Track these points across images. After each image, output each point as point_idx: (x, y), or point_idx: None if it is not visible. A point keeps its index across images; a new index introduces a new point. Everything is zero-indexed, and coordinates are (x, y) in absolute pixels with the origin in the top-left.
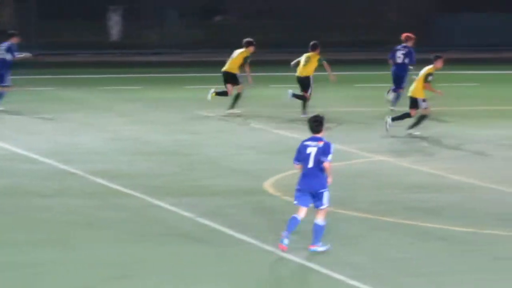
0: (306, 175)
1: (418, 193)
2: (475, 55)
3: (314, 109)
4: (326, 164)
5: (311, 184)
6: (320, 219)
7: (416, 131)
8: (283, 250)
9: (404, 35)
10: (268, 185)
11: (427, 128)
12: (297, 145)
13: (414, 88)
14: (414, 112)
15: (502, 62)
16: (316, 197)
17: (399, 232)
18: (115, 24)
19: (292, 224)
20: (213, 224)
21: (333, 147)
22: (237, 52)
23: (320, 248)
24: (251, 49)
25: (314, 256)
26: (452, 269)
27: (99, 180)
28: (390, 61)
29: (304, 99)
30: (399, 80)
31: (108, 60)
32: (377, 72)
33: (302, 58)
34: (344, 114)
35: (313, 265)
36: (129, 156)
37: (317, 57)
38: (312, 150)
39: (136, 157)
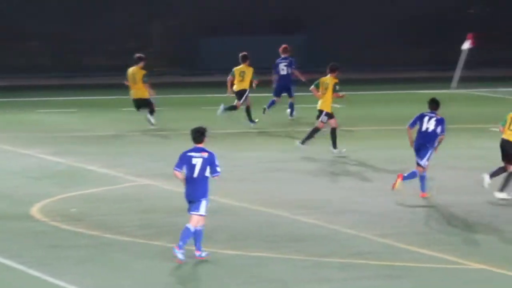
0: (191, 184)
1: (185, 216)
2: None
3: (84, 133)
4: (216, 178)
5: (195, 193)
6: (191, 225)
7: (342, 149)
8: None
9: (283, 47)
10: (35, 210)
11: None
12: (64, 170)
13: (323, 101)
14: (334, 122)
15: (266, 85)
16: (194, 203)
17: (168, 255)
18: None
19: (186, 235)
20: None
21: (217, 156)
22: (132, 73)
23: (179, 255)
24: (143, 64)
25: (83, 281)
26: None
27: None
28: (275, 76)
29: (235, 108)
30: (288, 90)
31: None
32: None
33: (237, 73)
34: (110, 138)
35: None
36: None
37: (251, 69)
38: (197, 161)
39: None
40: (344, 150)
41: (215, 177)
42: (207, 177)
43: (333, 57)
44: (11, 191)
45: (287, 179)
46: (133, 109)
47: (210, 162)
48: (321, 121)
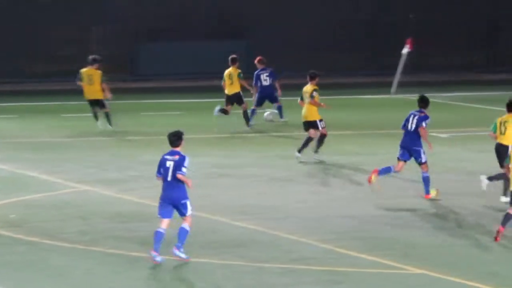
0: (167, 187)
1: (125, 222)
2: (177, 84)
3: (24, 139)
4: (179, 176)
5: (172, 196)
6: (186, 225)
7: (320, 156)
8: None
9: (259, 58)
10: None
11: (128, 157)
12: (4, 176)
13: (307, 112)
14: (314, 133)
15: (207, 91)
16: (179, 207)
17: (107, 261)
18: None
19: (158, 237)
20: None
21: (189, 160)
22: (88, 74)
23: (182, 255)
24: (97, 65)
25: (22, 287)
26: None
27: None
28: (256, 87)
29: (226, 113)
30: (272, 98)
31: None
32: (82, 102)
33: (226, 77)
34: (50, 144)
35: None
36: None
37: (237, 71)
38: (170, 164)
39: None
40: (324, 157)
41: (178, 176)
42: (180, 179)
43: (274, 63)
44: None
45: (229, 185)
46: (74, 114)
47: (178, 164)
48: (322, 128)
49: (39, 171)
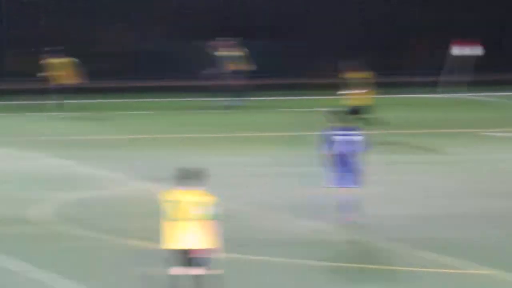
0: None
1: None
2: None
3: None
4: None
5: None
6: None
7: None
8: None
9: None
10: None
11: (183, 157)
12: (67, 172)
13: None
14: None
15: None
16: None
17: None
18: None
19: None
20: None
21: None
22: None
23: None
24: None
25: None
26: None
27: None
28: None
29: None
30: None
31: None
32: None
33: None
34: (115, 142)
35: None
36: None
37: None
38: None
39: None
40: None
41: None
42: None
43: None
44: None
45: (290, 183)
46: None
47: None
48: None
49: (103, 168)
